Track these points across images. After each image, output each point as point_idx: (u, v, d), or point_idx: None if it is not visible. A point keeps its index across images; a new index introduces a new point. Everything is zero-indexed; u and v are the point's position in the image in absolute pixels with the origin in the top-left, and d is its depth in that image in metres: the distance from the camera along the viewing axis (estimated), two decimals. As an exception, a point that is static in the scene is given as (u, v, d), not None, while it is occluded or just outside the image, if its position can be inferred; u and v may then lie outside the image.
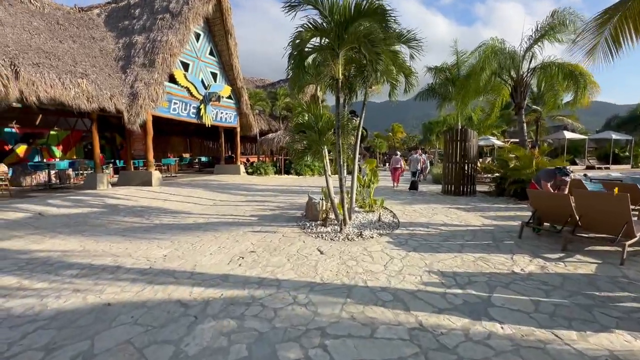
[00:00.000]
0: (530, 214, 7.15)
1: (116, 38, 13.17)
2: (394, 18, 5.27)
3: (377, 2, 4.84)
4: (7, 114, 13.13)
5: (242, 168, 18.13)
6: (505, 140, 22.67)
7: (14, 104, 10.09)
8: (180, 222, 7.04)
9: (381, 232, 5.89)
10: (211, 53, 15.55)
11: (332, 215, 6.69)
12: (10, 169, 11.83)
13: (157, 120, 13.23)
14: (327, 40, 5.36)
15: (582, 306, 3.03)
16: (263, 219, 7.19)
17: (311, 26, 5.30)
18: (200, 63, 14.81)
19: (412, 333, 2.62)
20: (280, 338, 2.57)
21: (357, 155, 6.89)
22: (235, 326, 2.74)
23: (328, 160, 7.44)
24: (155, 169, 12.96)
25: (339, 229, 5.90)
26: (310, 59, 6.99)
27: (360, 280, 3.71)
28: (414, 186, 12.23)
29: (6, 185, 9.48)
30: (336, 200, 6.66)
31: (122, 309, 3.07)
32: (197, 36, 14.59)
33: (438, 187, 12.58)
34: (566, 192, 5.55)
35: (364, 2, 4.78)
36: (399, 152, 16.43)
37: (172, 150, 22.86)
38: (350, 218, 6.60)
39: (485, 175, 13.42)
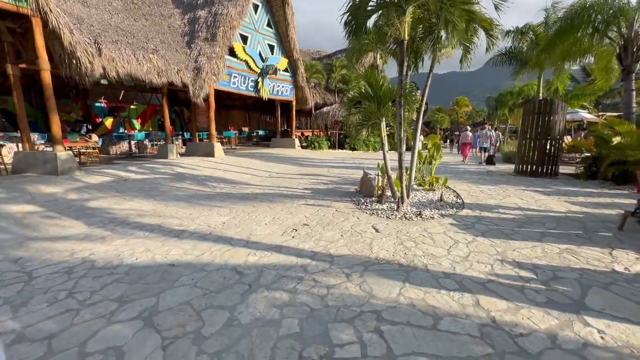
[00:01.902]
0: (632, 202, 5.94)
1: (182, 14, 13.71)
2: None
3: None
4: (97, 90, 14.88)
5: (296, 142, 18.30)
6: (600, 114, 19.11)
7: (101, 80, 11.30)
8: (238, 192, 7.32)
9: (443, 212, 5.39)
10: (268, 25, 15.42)
11: (388, 193, 6.32)
12: (100, 139, 13.51)
13: (218, 94, 13.78)
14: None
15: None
16: (316, 193, 7.12)
17: (375, -20, 4.73)
18: (258, 35, 14.82)
19: (484, 330, 2.28)
20: (333, 317, 2.43)
21: (419, 129, 6.29)
22: (287, 299, 2.68)
23: (386, 134, 6.98)
24: (217, 141, 13.69)
25: (395, 207, 5.54)
26: (370, 22, 6.42)
27: (419, 264, 3.40)
28: (490, 161, 12.74)
29: (97, 153, 10.83)
30: (393, 177, 6.24)
31: (184, 271, 3.24)
32: (256, 7, 14.51)
33: (509, 167, 11.22)
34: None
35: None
36: (469, 127, 15.49)
37: (232, 124, 24.00)
38: (408, 196, 6.16)
39: (570, 155, 11.56)
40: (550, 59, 10.79)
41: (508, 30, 15.45)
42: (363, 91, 6.24)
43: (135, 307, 2.58)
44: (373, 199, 6.32)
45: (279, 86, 16.63)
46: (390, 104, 5.77)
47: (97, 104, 15.68)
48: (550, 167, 8.96)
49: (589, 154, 9.01)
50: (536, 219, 5.03)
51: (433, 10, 4.79)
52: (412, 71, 6.95)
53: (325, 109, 19.36)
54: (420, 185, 7.54)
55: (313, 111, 20.17)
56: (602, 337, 2.19)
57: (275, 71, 15.22)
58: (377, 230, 4.48)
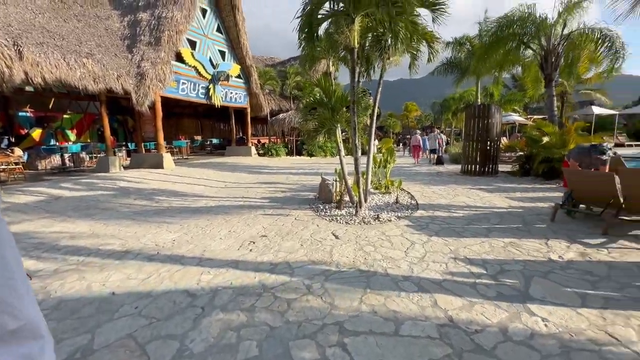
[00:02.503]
0: (559, 195, 6.67)
1: (121, 16, 12.75)
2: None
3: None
4: (21, 98, 13.16)
5: (253, 149, 17.88)
6: (528, 117, 21.45)
7: (26, 87, 10.00)
8: (191, 205, 6.88)
9: (399, 214, 5.55)
10: (218, 30, 14.98)
11: (346, 198, 6.37)
12: (26, 153, 11.94)
13: (166, 101, 12.98)
14: (341, 4, 4.83)
15: (637, 300, 2.65)
16: (275, 202, 6.95)
17: (323, -11, 4.77)
18: (207, 41, 14.30)
19: (442, 330, 2.32)
20: (294, 334, 2.32)
21: (373, 134, 6.45)
22: (244, 320, 2.51)
23: (341, 140, 7.06)
24: (166, 151, 12.86)
25: (354, 212, 5.59)
26: (322, 30, 6.50)
27: (379, 268, 3.42)
28: (439, 161, 13.98)
29: (20, 169, 9.52)
30: (350, 181, 6.31)
31: (127, 299, 2.89)
32: (204, 12, 14.01)
33: (456, 167, 12.04)
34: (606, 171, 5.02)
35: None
36: (418, 131, 16.80)
37: (183, 132, 22.80)
38: (365, 200, 6.26)
39: (506, 154, 12.73)
40: (485, 68, 11.86)
41: (448, 41, 16.75)
42: (318, 98, 6.27)
43: (64, 348, 2.22)
44: (332, 204, 6.32)
45: (232, 93, 16.16)
46: (344, 110, 5.85)
47: (21, 114, 13.87)
48: (491, 166, 9.77)
49: (522, 154, 9.98)
50: (482, 215, 5.39)
51: (380, 20, 4.96)
52: (364, 78, 7.15)
53: (281, 115, 19.22)
54: (376, 188, 7.73)
55: (269, 118, 19.91)
56: (545, 325, 2.35)
57: (227, 78, 14.77)
58: (336, 237, 4.46)
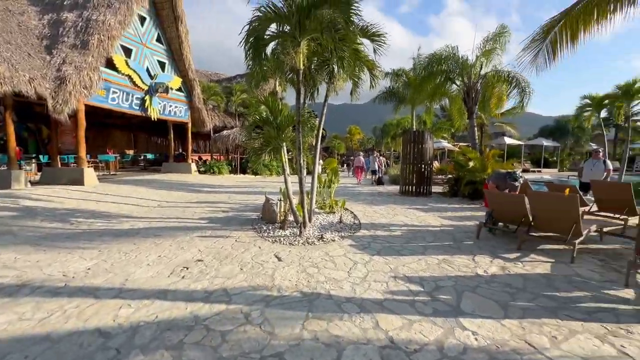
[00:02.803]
0: (482, 214, 7.44)
1: (40, 13, 11.34)
2: (358, 11, 5.02)
3: (342, -10, 4.52)
4: None
5: (193, 166, 16.85)
6: (455, 144, 24.07)
7: None
8: (115, 227, 6.08)
9: (343, 234, 5.59)
10: (159, 40, 14.19)
11: (291, 218, 6.25)
12: None
13: (93, 110, 11.68)
14: (287, 27, 4.92)
15: (547, 309, 2.97)
16: (214, 222, 6.51)
17: (270, 11, 4.83)
18: (145, 50, 13.40)
19: (384, 353, 2.30)
20: (228, 372, 2.08)
21: (318, 155, 6.54)
22: (169, 360, 2.19)
23: (287, 159, 7.01)
24: (90, 166, 11.41)
25: (298, 232, 5.48)
26: (269, 50, 6.54)
27: (322, 290, 3.33)
28: (380, 182, 15.01)
29: None
30: (295, 201, 6.24)
31: (15, 346, 2.34)
32: (142, 19, 13.19)
33: (395, 188, 12.78)
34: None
35: (329, -12, 4.44)
36: (361, 153, 17.86)
37: (112, 146, 20.65)
38: (310, 220, 6.22)
39: (439, 177, 13.96)
40: (419, 98, 13.10)
41: (387, 72, 18.22)
42: (264, 116, 6.18)
43: None
44: (276, 225, 6.14)
45: (171, 106, 15.22)
46: (289, 129, 5.85)
47: None
48: (425, 187, 10.58)
49: (451, 176, 11.03)
50: (419, 234, 5.71)
51: (326, 46, 5.15)
52: (309, 100, 7.31)
53: (225, 132, 18.60)
54: (321, 208, 7.77)
55: (212, 134, 19.11)
56: (476, 339, 2.48)
57: (166, 90, 13.90)
58: (279, 259, 4.29)
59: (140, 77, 12.95)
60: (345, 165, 37.32)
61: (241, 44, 4.98)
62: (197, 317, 2.77)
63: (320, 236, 5.33)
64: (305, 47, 4.95)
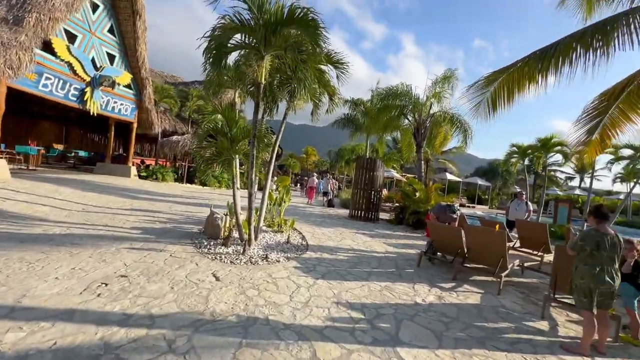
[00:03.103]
0: (423, 243, 7.82)
1: (-33, -22, 9.86)
2: (324, 36, 5.16)
3: (312, 15, 4.61)
4: None
5: (133, 170, 15.42)
6: (402, 174, 25.58)
7: None
8: (22, 231, 5.17)
9: (289, 255, 5.42)
10: (111, 31, 13.16)
11: (235, 234, 5.92)
12: None
13: (19, 95, 10.21)
14: (253, 40, 4.86)
15: (477, 339, 3.11)
16: (149, 233, 5.90)
17: (237, 20, 4.74)
18: (94, 39, 12.30)
19: (319, 386, 2.16)
20: (136, 414, 1.76)
21: (271, 171, 6.40)
22: (61, 399, 1.80)
23: (238, 173, 6.75)
24: (2, 157, 9.80)
25: (242, 250, 5.18)
26: (231, 59, 6.40)
27: (261, 315, 3.11)
28: (330, 204, 15.23)
29: None
30: (242, 217, 5.96)
31: None
32: (95, 7, 12.19)
33: (345, 211, 12.98)
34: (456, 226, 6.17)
35: (299, 10, 4.51)
36: (315, 174, 18.14)
37: (37, 137, 18.19)
38: (256, 238, 5.95)
39: (386, 204, 14.55)
40: (374, 128, 13.76)
41: (347, 100, 19.02)
42: (219, 125, 5.92)
43: None
44: (218, 241, 5.74)
45: (116, 102, 13.98)
46: (244, 142, 5.66)
47: None
48: (373, 213, 10.90)
49: (397, 205, 11.55)
50: (364, 258, 5.77)
51: (289, 65, 5.17)
52: (268, 115, 7.23)
53: (175, 137, 17.51)
54: (269, 226, 7.52)
55: (160, 138, 17.86)
56: (411, 370, 2.47)
57: (113, 84, 12.78)
58: (217, 279, 3.96)
59: (82, 66, 11.76)
60: (299, 184, 37.40)
61: (200, 46, 4.75)
62: (107, 344, 2.37)
63: (264, 256, 5.09)
64: (268, 62, 4.92)
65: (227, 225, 6.05)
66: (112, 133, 15.50)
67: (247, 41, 4.94)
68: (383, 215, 12.12)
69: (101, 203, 8.40)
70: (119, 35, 13.50)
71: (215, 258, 4.79)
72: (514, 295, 4.59)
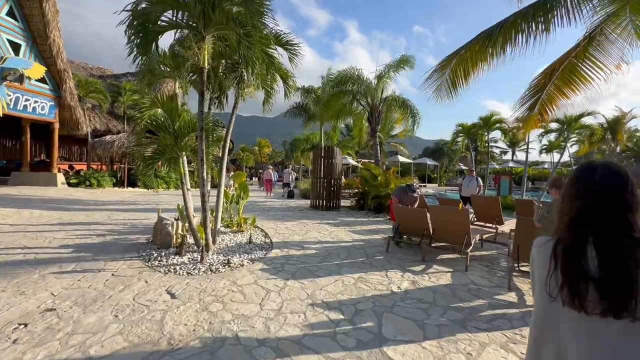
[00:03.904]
0: (387, 227, 7.88)
1: None
2: (271, 13, 4.68)
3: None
4: None
5: (60, 177, 13.46)
6: (358, 160, 26.01)
7: None
8: None
9: (253, 257, 5.00)
10: (11, 15, 11.04)
11: (191, 240, 5.33)
12: None
13: None
14: (189, 17, 4.21)
15: (457, 322, 3.06)
16: (83, 251, 5.03)
17: (167, -6, 4.05)
18: (-12, 24, 10.21)
19: (307, 413, 1.87)
20: None
21: (224, 167, 5.84)
22: None
23: (187, 171, 6.08)
24: None
25: (199, 258, 4.63)
26: (166, 45, 5.63)
27: (229, 333, 2.72)
28: (291, 195, 15.04)
29: None
30: (196, 220, 5.37)
31: None
32: (-15, -16, 10.07)
33: (306, 202, 12.74)
34: (415, 207, 6.24)
35: (239, -18, 3.97)
36: (270, 166, 18.20)
37: None
38: (215, 242, 5.42)
39: (345, 191, 14.59)
40: (328, 115, 13.55)
41: (298, 87, 18.54)
42: (160, 120, 5.17)
43: None
44: (171, 250, 5.11)
45: (28, 100, 11.92)
46: (189, 137, 5.02)
47: None
48: (335, 201, 10.80)
49: (357, 190, 11.58)
50: (333, 250, 5.56)
51: (233, 47, 4.62)
52: (217, 107, 6.58)
53: (109, 137, 15.59)
54: (228, 226, 6.97)
55: (90, 139, 15.78)
56: (403, 371, 2.29)
57: (20, 78, 10.82)
58: (173, 296, 3.44)
59: (-24, 57, 9.73)
60: (257, 178, 36.38)
61: (123, 23, 3.98)
62: (27, 410, 1.81)
63: (226, 261, 4.61)
64: (210, 44, 4.33)
65: (179, 230, 5.41)
66: (28, 136, 13.31)
67: (182, 19, 4.27)
68: (344, 203, 12.09)
69: (20, 220, 7.08)
70: (23, 20, 11.40)
71: (169, 271, 4.21)
72: (479, 269, 4.73)
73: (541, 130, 15.28)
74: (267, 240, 6.12)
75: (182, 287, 3.67)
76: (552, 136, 17.02)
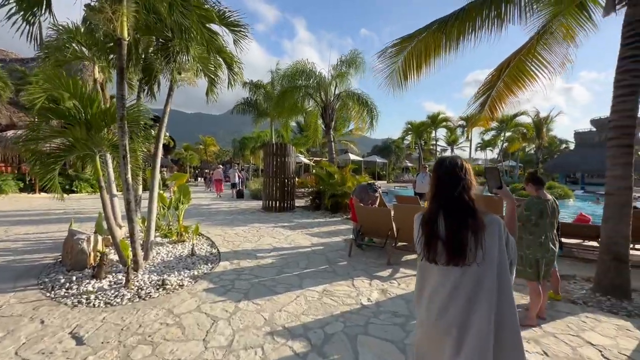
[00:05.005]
0: (347, 227, 7.51)
1: None
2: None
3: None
4: None
5: (-58, 183, 10.73)
6: (310, 158, 25.60)
7: None
8: None
9: (196, 273, 4.17)
10: None
11: (115, 257, 4.31)
12: None
13: None
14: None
15: (440, 339, 2.68)
16: (-47, 282, 3.72)
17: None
18: None
19: None
20: None
21: (158, 166, 4.88)
22: None
23: (112, 172, 5.01)
24: None
25: (124, 281, 3.68)
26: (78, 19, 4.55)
27: (158, 392, 1.97)
28: (240, 195, 14.37)
29: None
30: (122, 232, 4.36)
31: None
32: None
33: (257, 203, 11.89)
34: (376, 206, 5.94)
35: None
36: (221, 166, 17.59)
37: None
38: (147, 257, 4.47)
39: (299, 190, 14.03)
40: (279, 112, 12.82)
41: (246, 81, 17.41)
42: (66, 106, 4.04)
43: None
44: (86, 272, 4.04)
45: None
46: (108, 129, 4.01)
47: None
48: (289, 202, 10.16)
49: (312, 189, 11.09)
50: (291, 258, 4.96)
51: (164, 17, 3.74)
52: (147, 95, 5.53)
53: (10, 133, 12.94)
54: (166, 236, 5.95)
55: (-13, 135, 12.93)
56: (394, 422, 1.80)
57: None
58: (80, 341, 2.54)
59: None
60: (202, 179, 34.02)
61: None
62: None
63: (160, 282, 3.74)
64: (132, 11, 3.41)
65: (99, 246, 4.34)
66: None
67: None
68: (298, 202, 11.52)
69: None
70: None
71: (79, 302, 3.23)
72: (445, 270, 4.52)
73: (482, 128, 16.43)
74: (214, 251, 5.28)
75: (94, 326, 2.76)
76: (491, 134, 18.46)
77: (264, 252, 5.27)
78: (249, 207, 11.09)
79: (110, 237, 4.22)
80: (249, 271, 4.32)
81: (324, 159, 16.34)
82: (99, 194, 4.15)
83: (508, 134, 16.27)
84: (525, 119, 16.30)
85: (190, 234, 5.82)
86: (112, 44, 4.48)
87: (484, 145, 25.47)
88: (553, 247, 2.84)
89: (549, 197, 2.91)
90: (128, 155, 3.70)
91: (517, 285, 3.91)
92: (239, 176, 15.51)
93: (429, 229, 1.24)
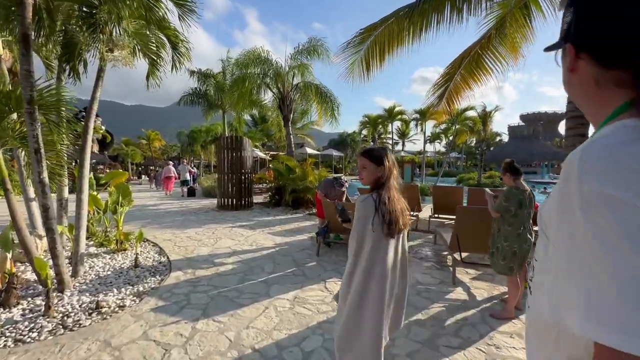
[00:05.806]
0: (310, 223, 7.18)
1: None
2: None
3: None
4: None
5: None
6: (266, 152, 24.76)
7: None
8: None
9: (141, 288, 3.52)
10: None
11: (32, 276, 3.46)
12: None
13: None
14: None
15: (427, 343, 2.48)
16: None
17: None
18: None
19: None
20: None
21: (87, 164, 4.04)
22: None
23: (24, 172, 4.07)
24: None
25: (44, 308, 2.92)
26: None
27: None
28: (192, 193, 13.40)
29: None
30: (42, 245, 3.53)
31: None
32: None
33: (211, 201, 11.03)
34: (343, 201, 5.69)
35: None
36: (171, 162, 16.43)
37: None
38: (76, 274, 3.69)
39: (257, 186, 13.37)
40: (234, 103, 11.96)
41: (193, 70, 16.04)
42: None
43: None
44: (-11, 299, 3.16)
45: None
46: (13, 116, 3.14)
47: None
48: (247, 199, 9.53)
49: (271, 185, 10.55)
50: (255, 262, 4.48)
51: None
52: (70, 77, 4.57)
53: None
54: (102, 245, 5.07)
55: None
56: None
57: None
58: (-30, 404, 1.86)
59: None
60: (143, 176, 31.20)
61: None
62: None
63: (94, 305, 3.05)
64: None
65: (7, 265, 3.45)
66: None
67: None
68: (256, 199, 10.91)
69: None
70: None
71: (-25, 344, 2.45)
72: (417, 263, 4.42)
73: (435, 121, 17.19)
74: (163, 259, 4.59)
75: (-4, 378, 2.07)
76: (443, 127, 19.46)
77: (222, 257, 4.71)
78: (202, 206, 10.21)
79: (23, 250, 3.37)
80: (207, 281, 3.77)
81: (281, 153, 15.77)
82: (17, 194, 3.26)
83: (457, 126, 17.34)
84: (472, 113, 17.58)
85: (133, 242, 5.01)
86: (14, 8, 3.53)
87: (432, 139, 26.92)
88: (530, 238, 2.80)
89: (526, 187, 2.85)
90: (42, 150, 2.92)
91: (488, 274, 3.94)
92: (190, 172, 14.33)
93: (381, 208, 1.62)
